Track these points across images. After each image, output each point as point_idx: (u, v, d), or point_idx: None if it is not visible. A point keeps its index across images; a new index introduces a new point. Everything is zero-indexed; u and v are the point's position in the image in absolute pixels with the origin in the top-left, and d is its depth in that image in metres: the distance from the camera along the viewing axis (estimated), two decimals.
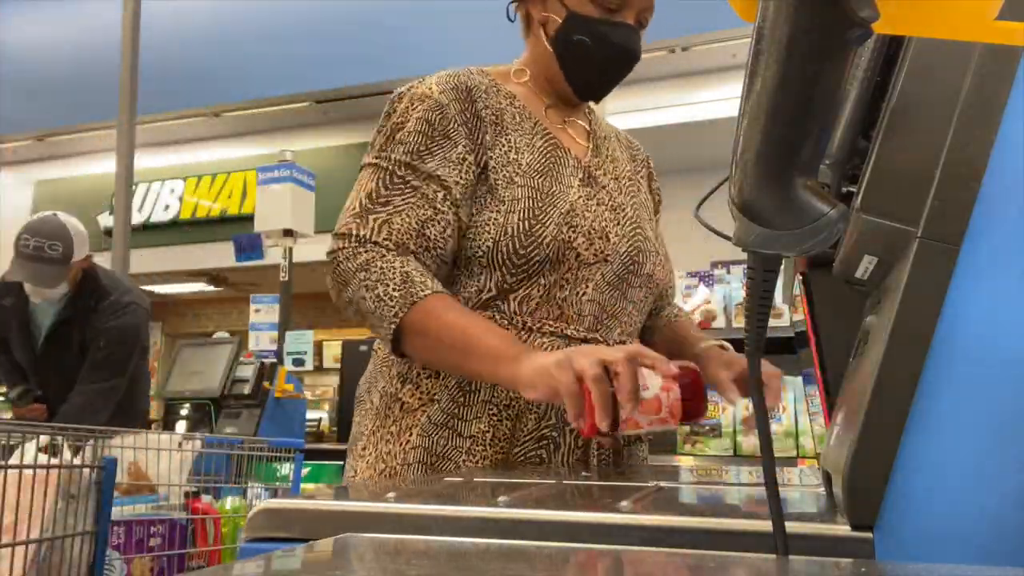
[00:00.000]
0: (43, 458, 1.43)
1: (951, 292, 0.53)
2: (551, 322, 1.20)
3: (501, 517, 0.63)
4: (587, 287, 1.22)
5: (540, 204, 1.20)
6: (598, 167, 1.33)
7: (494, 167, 1.21)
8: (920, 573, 0.48)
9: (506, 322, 1.19)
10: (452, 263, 1.22)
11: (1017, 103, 0.54)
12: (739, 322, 3.60)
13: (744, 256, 0.50)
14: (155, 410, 4.57)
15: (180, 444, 1.99)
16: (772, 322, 0.52)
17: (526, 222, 1.18)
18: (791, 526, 0.51)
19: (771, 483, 0.50)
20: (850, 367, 0.69)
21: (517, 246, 1.17)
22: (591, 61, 1.29)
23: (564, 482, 0.93)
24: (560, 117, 1.35)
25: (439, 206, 1.17)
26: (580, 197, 1.24)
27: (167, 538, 1.77)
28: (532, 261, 1.18)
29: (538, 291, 1.19)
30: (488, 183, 1.20)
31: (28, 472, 1.31)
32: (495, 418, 1.17)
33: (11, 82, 6.60)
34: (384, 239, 1.14)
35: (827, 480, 0.68)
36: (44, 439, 1.49)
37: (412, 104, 1.22)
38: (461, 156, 1.20)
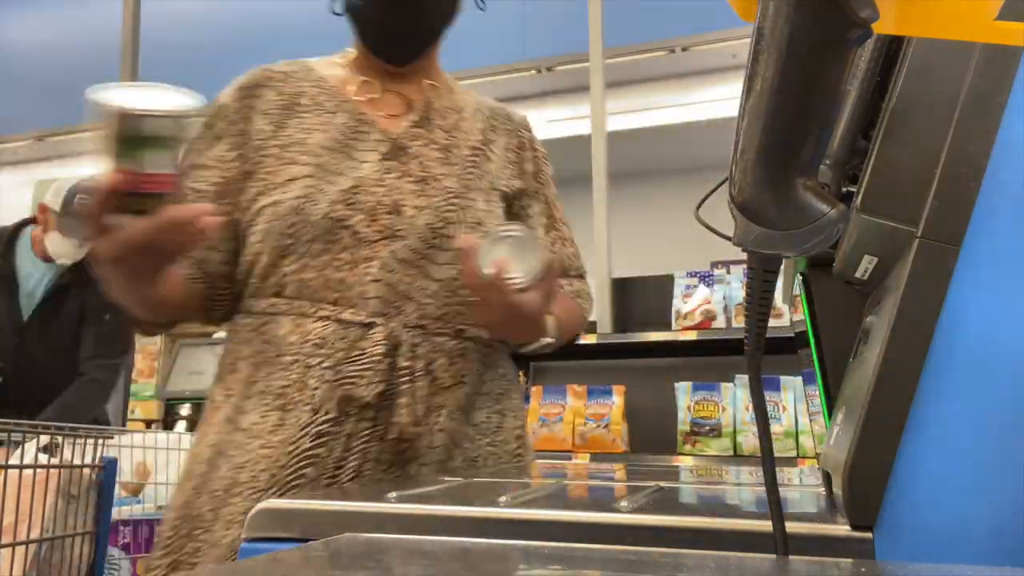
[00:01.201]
0: (43, 458, 1.43)
1: (951, 292, 0.53)
2: (327, 305, 1.11)
3: (501, 517, 0.63)
4: (371, 266, 1.12)
5: (318, 182, 1.14)
6: (415, 137, 1.22)
7: (277, 153, 1.17)
8: (920, 573, 0.48)
9: (286, 307, 1.13)
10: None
11: (1017, 103, 0.54)
12: (739, 322, 3.60)
13: (744, 256, 0.50)
14: (155, 410, 4.56)
15: (180, 442, 1.99)
16: (772, 322, 0.52)
17: (298, 201, 1.12)
18: (791, 526, 0.51)
19: (771, 483, 0.50)
20: (850, 367, 0.69)
21: (285, 227, 1.12)
22: (364, 18, 1.22)
23: (564, 482, 0.93)
24: (380, 88, 1.26)
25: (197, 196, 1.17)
26: (376, 171, 1.16)
27: None
28: (300, 242, 1.12)
29: (311, 274, 1.11)
30: (264, 171, 1.16)
31: (28, 472, 1.31)
32: (266, 407, 1.09)
33: (11, 82, 6.60)
34: None
35: (827, 480, 0.68)
36: (44, 439, 1.49)
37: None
38: (220, 155, 1.19)
